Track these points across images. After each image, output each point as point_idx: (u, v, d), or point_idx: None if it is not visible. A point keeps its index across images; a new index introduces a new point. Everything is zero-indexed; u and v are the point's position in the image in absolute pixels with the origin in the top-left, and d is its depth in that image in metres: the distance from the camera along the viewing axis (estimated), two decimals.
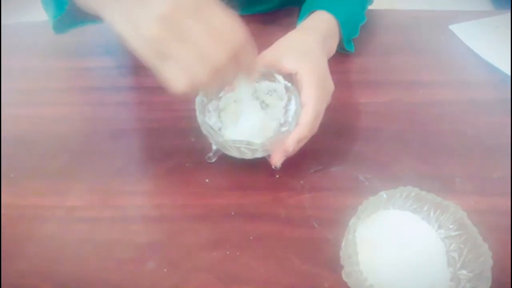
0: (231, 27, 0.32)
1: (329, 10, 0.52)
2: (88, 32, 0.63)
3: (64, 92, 0.56)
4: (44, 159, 0.48)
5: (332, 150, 0.47)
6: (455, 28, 0.63)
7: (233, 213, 0.42)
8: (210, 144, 0.44)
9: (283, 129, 0.42)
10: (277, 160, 0.42)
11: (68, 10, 0.46)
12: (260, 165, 0.44)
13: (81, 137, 0.50)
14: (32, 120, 0.52)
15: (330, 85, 0.45)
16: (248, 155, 0.42)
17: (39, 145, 0.49)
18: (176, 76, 0.32)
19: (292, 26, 0.54)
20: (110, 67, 0.59)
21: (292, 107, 0.43)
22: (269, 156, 0.43)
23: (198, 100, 0.42)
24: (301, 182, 0.45)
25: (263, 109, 0.47)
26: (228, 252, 0.39)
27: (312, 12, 0.53)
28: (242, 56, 0.33)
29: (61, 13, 0.46)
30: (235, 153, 0.42)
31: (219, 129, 0.46)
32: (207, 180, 0.45)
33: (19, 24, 0.69)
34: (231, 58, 0.32)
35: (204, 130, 0.42)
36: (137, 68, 0.58)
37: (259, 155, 0.43)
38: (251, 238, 0.40)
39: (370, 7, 0.63)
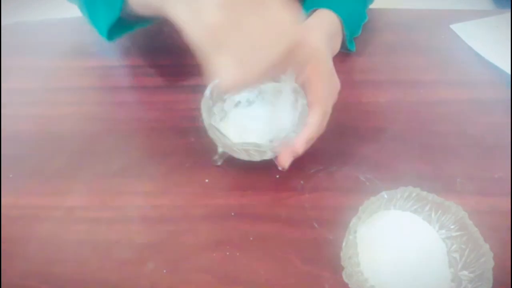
0: (288, 22, 0.31)
1: (331, 8, 0.52)
2: (88, 32, 0.63)
3: (64, 92, 0.56)
4: (44, 159, 0.47)
5: (332, 150, 0.47)
6: (456, 27, 0.63)
7: (233, 214, 0.42)
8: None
9: (291, 130, 0.42)
10: (285, 161, 0.42)
11: (120, 16, 0.44)
12: (260, 166, 0.44)
13: (81, 137, 0.50)
14: (32, 120, 0.52)
15: (337, 84, 0.45)
16: (257, 158, 0.42)
17: (38, 145, 0.49)
18: (227, 67, 0.31)
19: None
20: (110, 67, 0.59)
21: (299, 107, 0.43)
22: (276, 158, 0.43)
23: (204, 103, 0.42)
24: (302, 182, 0.44)
25: (270, 110, 0.47)
26: (228, 253, 0.39)
27: (314, 10, 0.53)
28: (296, 52, 0.32)
29: (113, 21, 0.45)
30: (243, 156, 0.42)
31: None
32: (207, 180, 0.45)
33: (19, 24, 0.69)
34: (285, 54, 0.31)
35: (211, 133, 0.41)
36: (137, 68, 0.58)
37: (267, 157, 0.42)
38: (251, 238, 0.40)
39: (371, 6, 0.62)
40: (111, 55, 0.60)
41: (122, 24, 0.46)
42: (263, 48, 0.30)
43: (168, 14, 0.33)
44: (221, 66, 0.31)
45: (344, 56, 0.58)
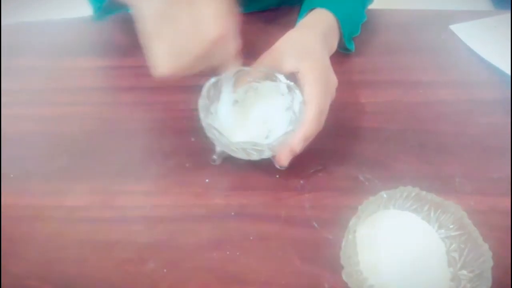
0: (213, 20, 0.35)
1: (328, 7, 0.52)
2: (88, 32, 0.63)
3: (64, 92, 0.56)
4: (44, 159, 0.47)
5: (332, 150, 0.47)
6: (455, 28, 0.63)
7: (233, 213, 0.42)
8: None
9: (288, 128, 0.42)
10: (284, 160, 0.42)
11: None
12: (260, 165, 0.44)
13: (81, 137, 0.50)
14: (32, 120, 0.52)
15: (334, 81, 0.45)
16: (255, 156, 0.42)
17: (39, 145, 0.49)
18: (162, 55, 0.35)
19: (291, 25, 0.54)
20: (110, 67, 0.59)
21: (296, 106, 0.43)
22: (274, 156, 0.43)
23: (201, 103, 0.42)
24: (301, 182, 0.45)
25: (266, 109, 0.47)
26: (228, 253, 0.39)
27: (311, 10, 0.53)
28: (219, 47, 0.36)
29: (102, 4, 0.52)
30: (241, 155, 0.42)
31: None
32: (207, 180, 0.45)
33: (19, 24, 0.69)
34: (209, 48, 0.35)
35: (209, 133, 0.42)
36: (136, 68, 0.58)
37: (265, 155, 0.42)
38: (251, 238, 0.40)
39: (370, 6, 0.63)
40: (111, 55, 0.61)
41: (111, 6, 0.53)
42: (190, 42, 0.35)
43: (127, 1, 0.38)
44: (156, 53, 0.35)
45: (343, 56, 0.58)
